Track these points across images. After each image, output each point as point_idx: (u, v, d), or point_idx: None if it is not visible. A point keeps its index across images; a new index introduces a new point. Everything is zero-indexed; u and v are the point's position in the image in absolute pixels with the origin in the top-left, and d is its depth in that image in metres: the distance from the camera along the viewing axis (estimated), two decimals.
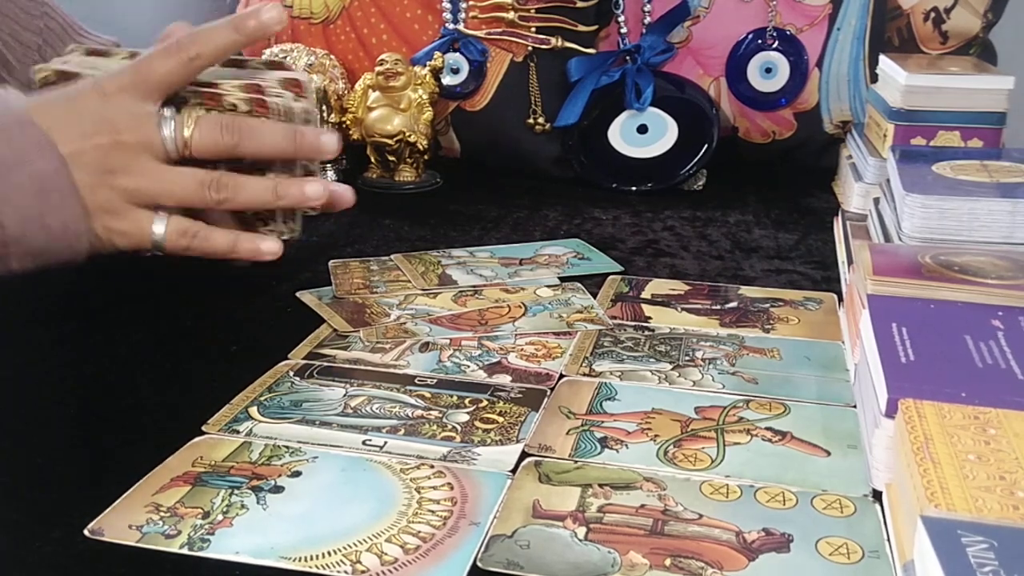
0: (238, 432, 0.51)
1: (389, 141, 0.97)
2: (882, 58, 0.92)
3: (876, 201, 0.78)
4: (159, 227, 0.61)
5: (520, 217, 0.91)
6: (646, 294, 0.71)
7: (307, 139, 0.64)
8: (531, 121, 1.03)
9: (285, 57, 0.97)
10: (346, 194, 0.68)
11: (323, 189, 0.65)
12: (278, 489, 0.45)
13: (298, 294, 0.70)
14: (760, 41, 1.02)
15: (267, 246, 0.64)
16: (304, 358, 0.60)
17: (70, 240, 0.59)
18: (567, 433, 0.51)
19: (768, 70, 1.03)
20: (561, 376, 0.57)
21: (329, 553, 0.41)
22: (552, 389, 0.56)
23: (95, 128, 0.59)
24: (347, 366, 0.59)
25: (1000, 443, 0.40)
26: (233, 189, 0.62)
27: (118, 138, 0.59)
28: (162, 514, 0.43)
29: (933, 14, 1.01)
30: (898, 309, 0.52)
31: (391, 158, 0.99)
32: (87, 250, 0.60)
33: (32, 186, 0.56)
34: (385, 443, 0.50)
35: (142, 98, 0.60)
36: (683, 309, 0.68)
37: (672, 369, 0.58)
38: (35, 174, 0.56)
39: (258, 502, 0.44)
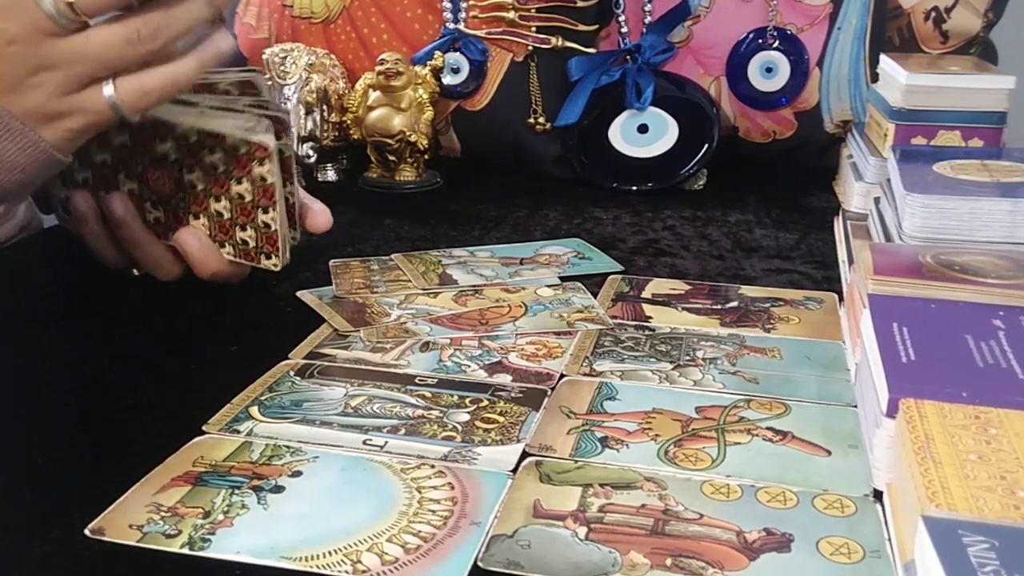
0: (239, 432, 0.51)
1: (389, 141, 0.97)
2: (883, 58, 0.92)
3: (877, 201, 0.78)
4: (108, 92, 0.55)
5: (520, 217, 0.91)
6: (646, 294, 0.71)
7: None
8: (531, 121, 1.03)
9: (285, 56, 0.97)
10: (320, 216, 0.67)
11: (232, 40, 0.59)
12: (279, 489, 0.45)
13: (298, 294, 0.70)
14: (761, 41, 1.02)
15: (224, 43, 0.58)
16: (304, 358, 0.60)
17: (22, 157, 0.55)
18: (568, 433, 0.51)
19: (768, 70, 1.02)
20: (562, 376, 0.57)
21: (330, 553, 0.41)
22: (553, 389, 0.56)
23: None
24: (347, 366, 0.59)
25: (1001, 443, 0.40)
26: (166, 26, 0.54)
27: (4, 36, 0.52)
28: (163, 514, 0.43)
29: (934, 13, 1.01)
30: (899, 309, 0.52)
31: (391, 158, 0.99)
32: (59, 152, 0.56)
33: None
34: (386, 443, 0.50)
35: None
36: (683, 309, 0.68)
37: (673, 369, 0.58)
38: None
39: (259, 502, 0.44)
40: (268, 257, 0.65)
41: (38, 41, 0.53)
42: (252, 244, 0.64)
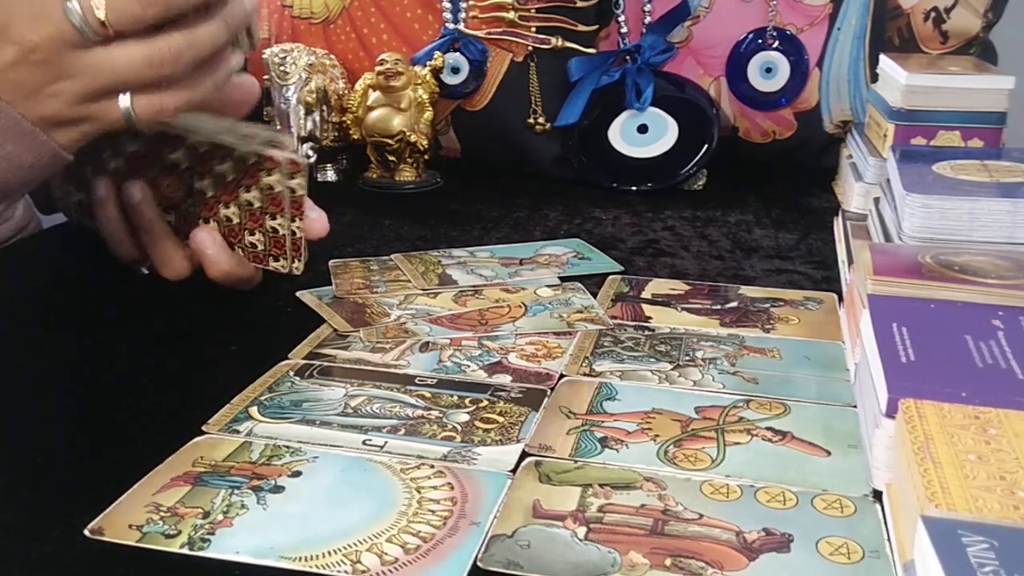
0: (238, 432, 0.51)
1: (389, 141, 0.97)
2: (882, 58, 0.92)
3: (876, 201, 0.78)
4: (124, 104, 0.55)
5: (520, 217, 0.91)
6: (646, 294, 0.71)
7: None
8: (531, 121, 1.03)
9: (285, 57, 0.97)
10: (316, 223, 0.66)
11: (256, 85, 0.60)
12: (278, 489, 0.45)
13: (298, 294, 0.70)
14: (760, 41, 1.02)
15: (234, 56, 0.58)
16: (304, 358, 0.60)
17: (39, 156, 0.55)
18: (567, 433, 0.51)
19: (768, 70, 1.02)
20: (561, 376, 0.57)
21: (329, 553, 0.41)
22: (552, 389, 0.56)
23: None
24: (347, 366, 0.59)
25: (1000, 443, 0.40)
26: (188, 49, 0.54)
27: (24, 44, 0.51)
28: (162, 514, 0.43)
29: (933, 14, 1.01)
30: (898, 309, 0.52)
31: (391, 158, 0.99)
32: (67, 152, 0.56)
33: None
34: (385, 443, 0.50)
35: None
36: (683, 309, 0.68)
37: (672, 369, 0.58)
38: None
39: (258, 502, 0.44)
40: (276, 259, 0.65)
41: (61, 52, 0.52)
42: (261, 247, 0.65)
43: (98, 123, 0.56)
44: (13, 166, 0.55)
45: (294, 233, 0.64)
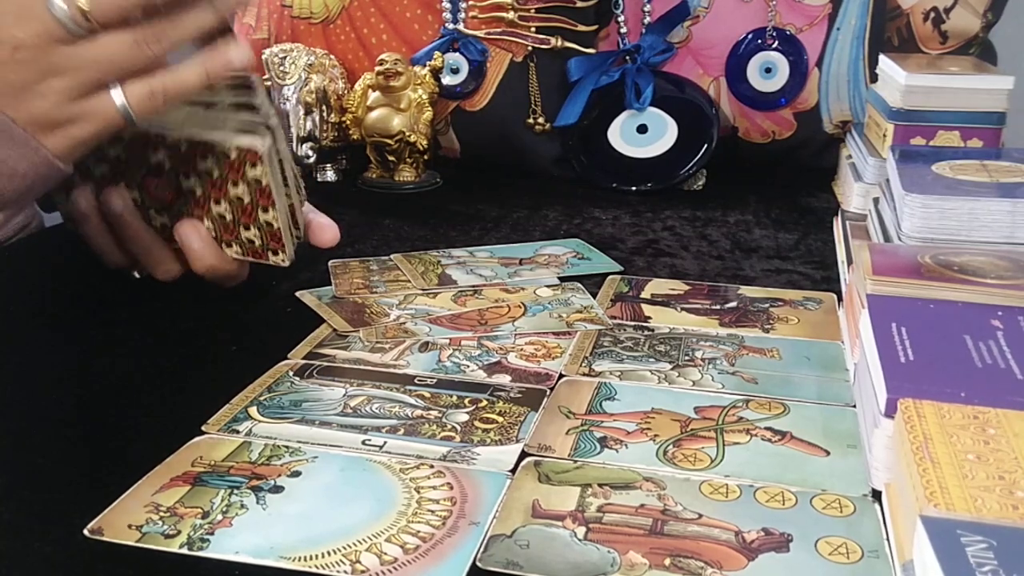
0: (238, 432, 0.51)
1: (389, 141, 0.97)
2: (882, 58, 0.92)
3: (876, 201, 0.78)
4: (119, 99, 0.55)
5: (520, 217, 0.91)
6: (646, 294, 0.71)
7: None
8: (531, 121, 1.03)
9: (284, 57, 0.97)
10: (328, 232, 0.67)
11: (248, 51, 0.59)
12: (278, 489, 0.45)
13: (298, 294, 0.70)
14: (760, 41, 1.02)
15: (236, 53, 0.57)
16: (304, 358, 0.60)
17: (23, 164, 0.54)
18: (567, 433, 0.51)
19: (768, 70, 1.03)
20: (561, 376, 0.57)
21: (329, 553, 0.41)
22: (552, 389, 0.56)
23: None
24: (347, 366, 0.59)
25: (999, 443, 0.40)
26: (172, 29, 0.54)
27: (13, 43, 0.51)
28: (162, 514, 0.43)
29: (933, 14, 1.01)
30: (898, 309, 0.52)
31: (391, 158, 0.99)
32: (62, 162, 0.56)
33: None
34: (385, 443, 0.50)
35: None
36: (683, 309, 0.68)
37: (672, 369, 0.58)
38: None
39: (258, 502, 0.44)
40: (275, 253, 0.65)
41: (47, 47, 0.52)
42: (258, 243, 0.64)
43: (92, 123, 0.55)
44: (6, 174, 0.54)
45: (270, 225, 0.64)
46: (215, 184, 0.63)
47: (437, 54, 1.01)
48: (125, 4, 0.53)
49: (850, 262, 0.69)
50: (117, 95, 0.55)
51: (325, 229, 0.67)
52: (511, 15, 1.02)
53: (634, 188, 1.00)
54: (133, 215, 0.65)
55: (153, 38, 0.54)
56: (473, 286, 0.72)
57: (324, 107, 0.98)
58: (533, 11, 1.02)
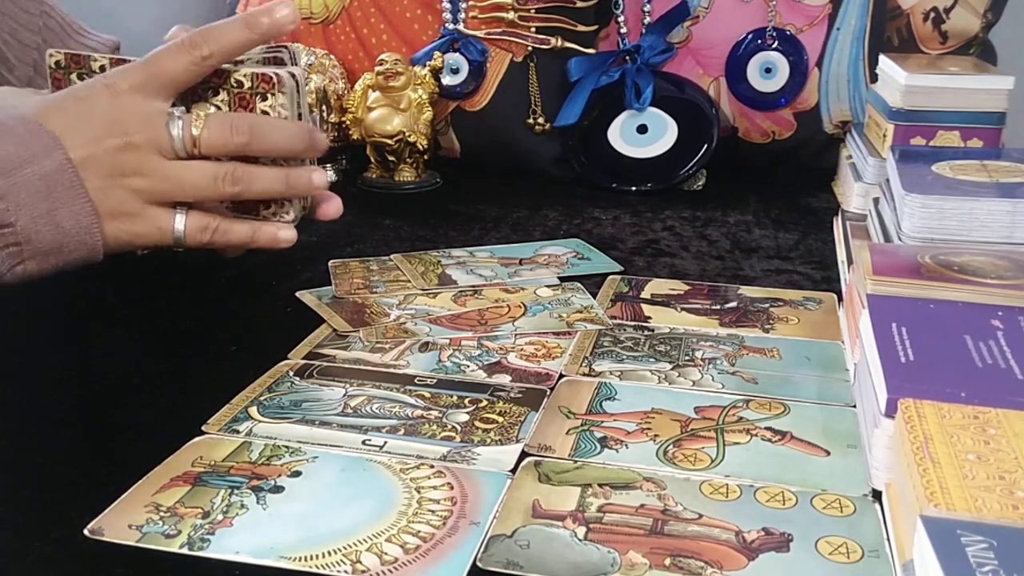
0: (238, 432, 0.51)
1: (389, 141, 0.97)
2: (882, 58, 0.92)
3: (876, 201, 0.78)
4: (179, 224, 0.62)
5: (520, 217, 0.91)
6: (646, 294, 0.71)
7: (318, 137, 0.66)
8: (531, 121, 1.03)
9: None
10: (332, 204, 0.69)
11: (327, 178, 0.66)
12: (278, 489, 0.45)
13: (298, 294, 0.70)
14: (760, 41, 1.02)
15: (284, 234, 0.65)
16: (304, 358, 0.60)
17: (83, 237, 0.59)
18: (567, 433, 0.51)
19: (768, 70, 1.03)
20: (561, 376, 0.57)
21: (329, 553, 0.41)
22: (552, 389, 0.56)
23: (105, 130, 0.59)
24: (347, 366, 0.59)
25: (1000, 443, 0.40)
26: (247, 181, 0.62)
27: (128, 140, 0.59)
28: (162, 514, 0.43)
29: (933, 14, 1.01)
30: (898, 309, 0.52)
31: (391, 158, 0.99)
32: (103, 249, 0.60)
33: (40, 184, 0.56)
34: (385, 443, 0.50)
35: (152, 96, 0.60)
36: (683, 309, 0.68)
37: (672, 369, 0.58)
38: (42, 172, 0.57)
39: (258, 502, 0.44)
40: (282, 206, 0.66)
41: (151, 155, 0.60)
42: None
43: (146, 229, 0.61)
44: (51, 224, 0.57)
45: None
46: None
47: (437, 54, 1.01)
48: (230, 145, 0.61)
49: (850, 262, 0.69)
50: (179, 217, 0.62)
51: (331, 202, 0.69)
52: (511, 15, 1.02)
53: (634, 188, 1.00)
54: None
55: (231, 181, 0.61)
56: (473, 286, 0.72)
57: (324, 107, 0.98)
58: (533, 11, 1.02)
